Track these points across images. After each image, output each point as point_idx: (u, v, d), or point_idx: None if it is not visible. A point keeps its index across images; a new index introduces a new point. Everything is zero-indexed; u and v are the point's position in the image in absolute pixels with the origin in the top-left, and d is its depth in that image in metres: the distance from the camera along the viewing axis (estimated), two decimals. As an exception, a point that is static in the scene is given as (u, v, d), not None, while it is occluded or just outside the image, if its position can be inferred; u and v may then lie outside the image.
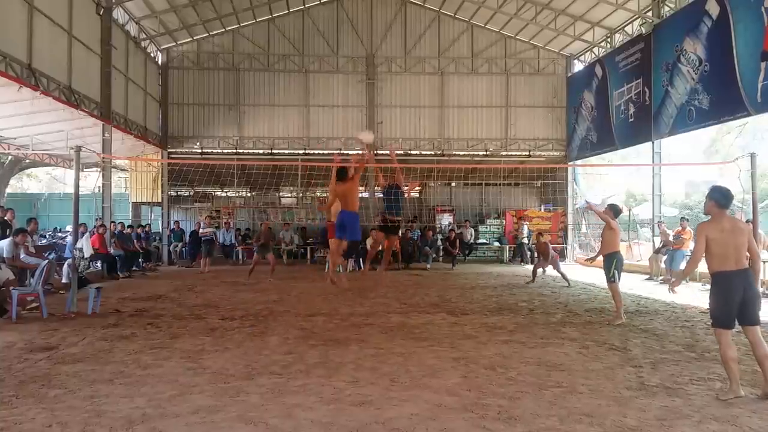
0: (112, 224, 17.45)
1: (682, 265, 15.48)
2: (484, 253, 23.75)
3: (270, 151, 23.79)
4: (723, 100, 14.77)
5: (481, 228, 24.33)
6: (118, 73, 18.17)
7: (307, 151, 23.85)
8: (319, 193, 26.26)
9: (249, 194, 25.55)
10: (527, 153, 24.74)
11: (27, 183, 41.06)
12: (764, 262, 12.36)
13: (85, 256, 15.32)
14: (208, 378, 5.86)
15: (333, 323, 9.13)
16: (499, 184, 25.00)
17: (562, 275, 14.88)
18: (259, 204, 25.40)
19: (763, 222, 14.06)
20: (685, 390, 5.50)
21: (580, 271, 19.24)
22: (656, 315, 10.08)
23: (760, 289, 10.89)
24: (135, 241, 18.47)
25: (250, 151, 23.88)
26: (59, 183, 37.93)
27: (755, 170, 11.55)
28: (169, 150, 23.32)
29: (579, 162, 24.31)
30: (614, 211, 9.90)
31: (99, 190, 19.10)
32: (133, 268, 17.49)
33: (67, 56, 15.00)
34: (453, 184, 26.33)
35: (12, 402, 5.06)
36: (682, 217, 17.68)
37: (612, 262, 9.47)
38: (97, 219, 17.80)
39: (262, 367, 6.29)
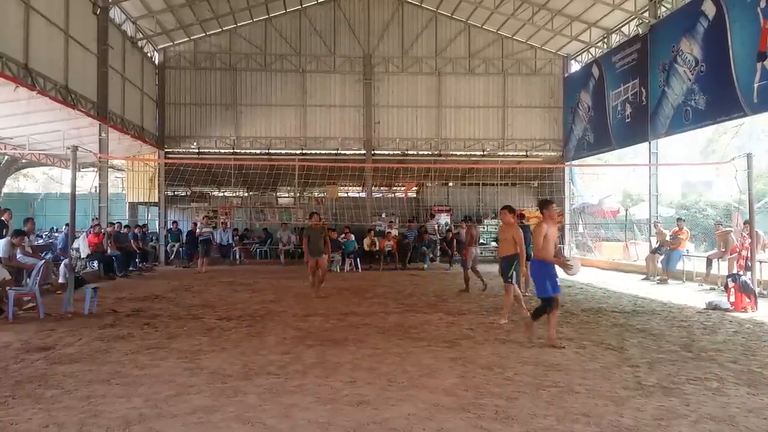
0: (110, 225, 17.45)
1: (679, 265, 15.55)
2: (482, 253, 23.71)
3: (267, 151, 23.77)
4: (719, 100, 14.80)
5: (479, 228, 24.30)
6: (114, 73, 18.14)
7: (304, 151, 23.83)
8: (316, 193, 26.30)
9: (246, 194, 25.54)
10: (524, 153, 24.77)
11: (23, 183, 40.95)
12: (761, 262, 12.42)
13: (82, 256, 15.29)
14: (206, 378, 5.86)
15: (330, 323, 9.13)
16: (496, 185, 25.03)
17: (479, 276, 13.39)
18: (257, 204, 25.40)
19: (759, 222, 14.09)
20: (681, 390, 5.51)
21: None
22: (653, 315, 10.09)
23: (757, 289, 11.01)
24: (132, 241, 18.44)
25: (247, 151, 23.86)
26: (56, 183, 37.82)
27: (752, 170, 11.60)
28: (166, 150, 23.27)
29: (576, 162, 24.35)
30: (513, 211, 9.76)
31: (96, 190, 19.06)
32: (130, 268, 17.45)
33: (63, 56, 14.97)
34: (450, 184, 26.38)
35: (8, 402, 5.05)
36: (678, 218, 17.70)
37: (512, 264, 9.45)
38: (93, 219, 17.77)
39: (260, 368, 6.29)
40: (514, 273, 9.52)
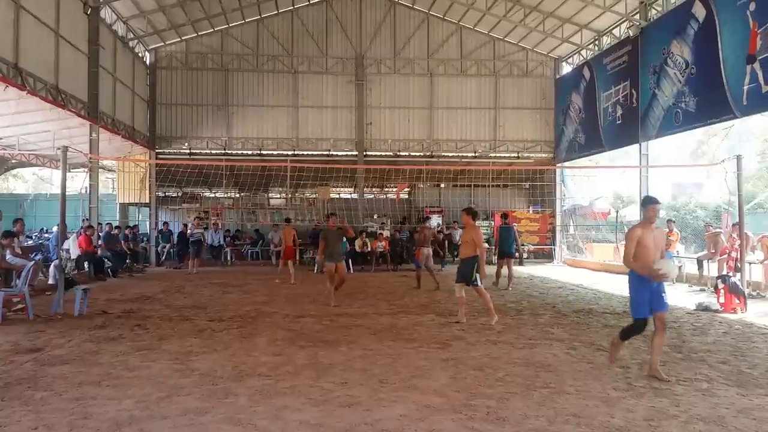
0: (100, 225, 17.34)
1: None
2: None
3: (259, 152, 23.72)
4: (709, 102, 14.89)
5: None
6: (105, 73, 18.05)
7: (296, 152, 23.80)
8: (307, 194, 26.26)
9: (238, 195, 25.48)
10: (516, 154, 24.83)
11: (13, 183, 40.73)
12: (751, 263, 12.51)
13: (72, 257, 15.19)
14: (196, 380, 5.84)
15: (322, 324, 9.12)
16: (488, 186, 25.08)
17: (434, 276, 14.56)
18: (248, 205, 25.34)
19: (749, 223, 14.18)
20: (671, 390, 5.54)
21: (569, 273, 19.33)
22: (643, 316, 10.12)
23: (747, 290, 11.08)
24: (123, 242, 18.34)
25: (239, 151, 23.81)
26: (46, 183, 37.63)
27: (741, 172, 11.68)
28: (157, 150, 23.20)
29: (567, 164, 24.42)
30: (472, 213, 9.63)
31: (86, 191, 18.94)
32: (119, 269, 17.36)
33: (54, 56, 14.88)
34: (442, 185, 26.42)
35: (-3, 404, 5.01)
36: (668, 219, 17.79)
37: (473, 266, 9.24)
38: (84, 220, 17.65)
39: (251, 369, 6.27)
40: (477, 276, 9.27)
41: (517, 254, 22.67)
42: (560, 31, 22.25)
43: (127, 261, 18.29)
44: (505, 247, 14.92)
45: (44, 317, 9.45)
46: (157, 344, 7.53)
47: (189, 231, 19.54)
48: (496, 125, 24.72)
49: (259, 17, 23.54)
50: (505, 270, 14.90)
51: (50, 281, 12.82)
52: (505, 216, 15.89)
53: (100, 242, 16.77)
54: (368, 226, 22.58)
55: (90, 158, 16.61)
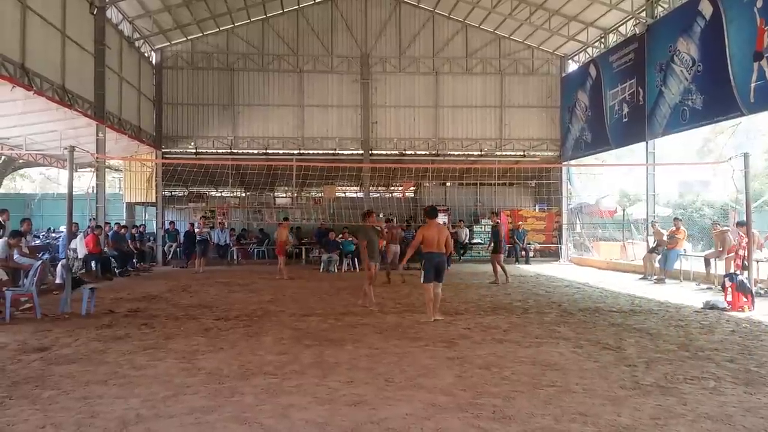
0: (107, 225, 17.37)
1: (676, 265, 15.57)
2: (479, 253, 23.74)
3: (264, 151, 23.75)
4: (716, 100, 14.82)
5: (476, 228, 24.39)
6: (111, 73, 18.11)
7: (301, 151, 23.83)
8: (313, 193, 26.28)
9: (243, 194, 25.53)
10: (522, 153, 24.78)
11: (20, 183, 40.91)
12: (758, 261, 12.45)
13: (79, 257, 15.25)
14: (203, 378, 5.84)
15: (327, 323, 9.12)
16: (494, 184, 25.03)
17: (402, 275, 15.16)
18: (254, 204, 25.39)
19: (756, 221, 14.11)
20: (679, 389, 5.51)
21: (575, 272, 19.29)
22: (650, 314, 10.10)
23: (754, 288, 11.02)
24: (129, 241, 18.40)
25: (245, 151, 23.86)
26: (53, 183, 37.77)
27: (748, 170, 11.61)
28: (163, 150, 23.26)
29: (573, 162, 24.36)
30: (427, 212, 9.77)
31: (93, 191, 19.01)
32: (128, 268, 17.41)
33: (60, 56, 14.95)
34: (448, 184, 26.39)
35: (5, 403, 5.03)
36: (675, 217, 17.73)
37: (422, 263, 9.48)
38: (91, 219, 17.71)
39: (257, 368, 6.27)
40: (423, 272, 9.41)
41: (523, 252, 22.91)
42: (566, 28, 22.20)
43: (134, 260, 18.34)
44: (494, 244, 15.95)
45: (52, 316, 9.48)
46: (163, 343, 7.55)
47: (197, 230, 19.57)
48: (502, 124, 24.68)
49: (264, 16, 23.56)
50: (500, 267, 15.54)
51: (57, 280, 12.88)
52: (495, 214, 17.05)
53: (107, 241, 16.81)
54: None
55: (97, 158, 16.67)
